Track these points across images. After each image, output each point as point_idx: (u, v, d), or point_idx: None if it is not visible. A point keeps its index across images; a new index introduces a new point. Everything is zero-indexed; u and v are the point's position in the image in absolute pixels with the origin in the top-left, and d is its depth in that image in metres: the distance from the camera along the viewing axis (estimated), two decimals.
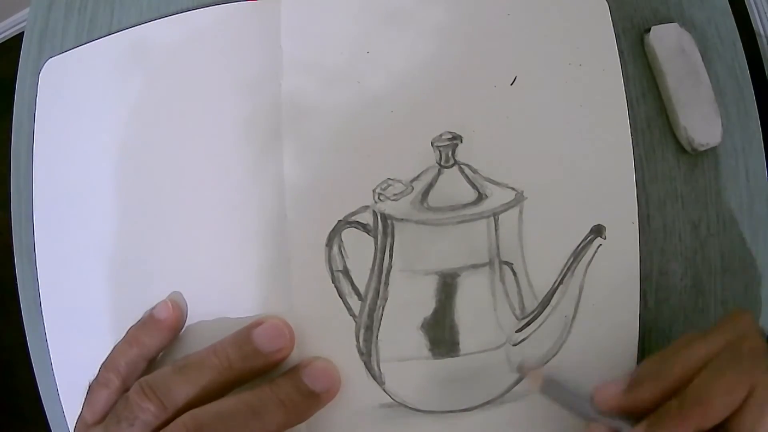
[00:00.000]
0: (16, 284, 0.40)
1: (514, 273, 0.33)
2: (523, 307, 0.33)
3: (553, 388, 0.31)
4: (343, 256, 0.33)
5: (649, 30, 0.35)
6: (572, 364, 0.33)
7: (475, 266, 0.33)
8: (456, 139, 0.33)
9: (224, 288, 0.34)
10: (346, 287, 0.33)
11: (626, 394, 0.29)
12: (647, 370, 0.29)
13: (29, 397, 0.41)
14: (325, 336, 0.33)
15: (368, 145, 0.33)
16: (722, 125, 0.35)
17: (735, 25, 0.37)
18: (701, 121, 0.35)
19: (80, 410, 0.33)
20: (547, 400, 0.31)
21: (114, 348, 0.33)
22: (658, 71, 0.35)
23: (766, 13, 0.49)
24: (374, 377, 0.33)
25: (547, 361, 0.33)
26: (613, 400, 0.29)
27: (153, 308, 0.33)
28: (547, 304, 0.33)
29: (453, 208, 0.33)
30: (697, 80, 0.35)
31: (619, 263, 0.33)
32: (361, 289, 0.33)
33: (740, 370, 0.27)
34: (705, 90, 0.35)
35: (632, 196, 0.34)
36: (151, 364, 0.33)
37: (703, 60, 0.35)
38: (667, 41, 0.35)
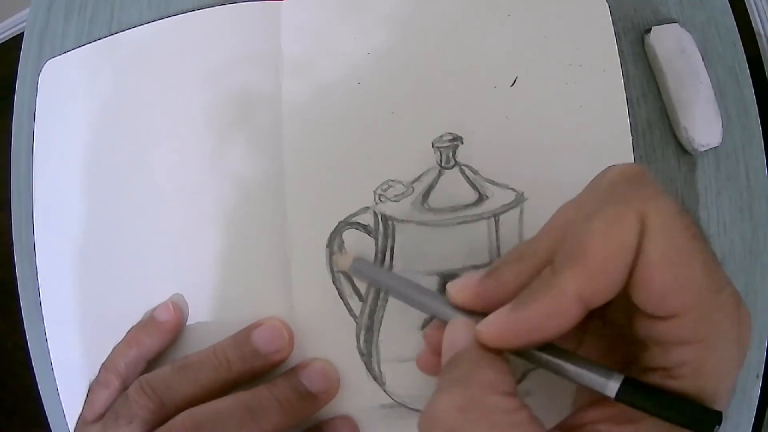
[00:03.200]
0: (16, 284, 0.40)
1: None
2: None
3: (363, 268, 0.30)
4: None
5: (649, 30, 0.35)
6: None
7: (475, 267, 0.33)
8: (456, 140, 0.33)
9: (225, 289, 0.34)
10: (346, 288, 0.33)
11: (485, 280, 0.23)
12: (507, 254, 0.23)
13: (29, 397, 0.41)
14: (326, 337, 0.33)
15: (369, 146, 0.33)
16: (722, 125, 0.35)
17: (735, 25, 0.37)
18: (701, 121, 0.34)
19: (80, 410, 0.33)
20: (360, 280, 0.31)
21: (114, 349, 0.33)
22: (659, 71, 0.35)
23: (766, 13, 0.49)
24: (375, 378, 0.33)
25: None
26: (466, 292, 0.23)
27: (154, 310, 0.34)
28: None
29: (454, 209, 0.33)
30: (697, 80, 0.35)
31: None
32: (362, 290, 0.33)
33: (617, 200, 0.20)
34: (705, 90, 0.35)
35: None
36: (151, 364, 0.33)
37: (703, 60, 0.35)
38: (667, 41, 0.35)
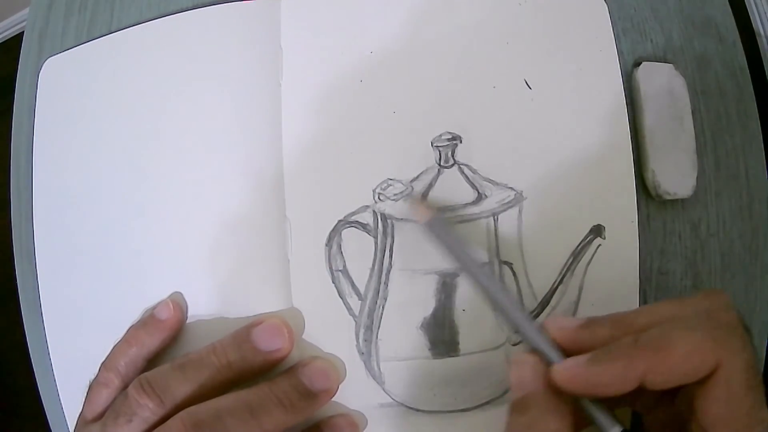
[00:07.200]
0: (16, 284, 0.40)
1: (514, 273, 0.33)
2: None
3: (439, 228, 0.30)
4: (343, 256, 0.33)
5: (639, 64, 0.34)
6: None
7: None
8: (456, 139, 0.33)
9: (224, 288, 0.34)
10: (346, 287, 0.33)
11: (582, 329, 0.27)
12: (609, 315, 0.27)
13: (28, 397, 0.41)
14: (325, 336, 0.33)
15: (368, 145, 0.33)
16: (697, 179, 0.34)
17: (735, 25, 0.37)
18: (674, 168, 0.34)
19: (80, 409, 0.33)
20: (429, 237, 0.31)
21: (114, 347, 0.33)
22: (639, 107, 0.34)
23: (766, 13, 0.49)
24: (374, 377, 0.33)
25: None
26: (565, 331, 0.27)
27: (154, 308, 0.34)
28: (547, 304, 0.33)
29: (452, 208, 0.33)
30: (680, 127, 0.34)
31: (619, 263, 0.33)
32: (361, 288, 0.33)
33: (712, 336, 0.24)
34: (686, 139, 0.34)
35: (632, 196, 0.34)
36: (151, 363, 0.33)
37: (698, 96, 0.34)
38: (656, 79, 0.34)
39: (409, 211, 0.32)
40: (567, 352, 0.27)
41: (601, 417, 0.26)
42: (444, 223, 0.31)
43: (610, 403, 0.26)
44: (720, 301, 0.26)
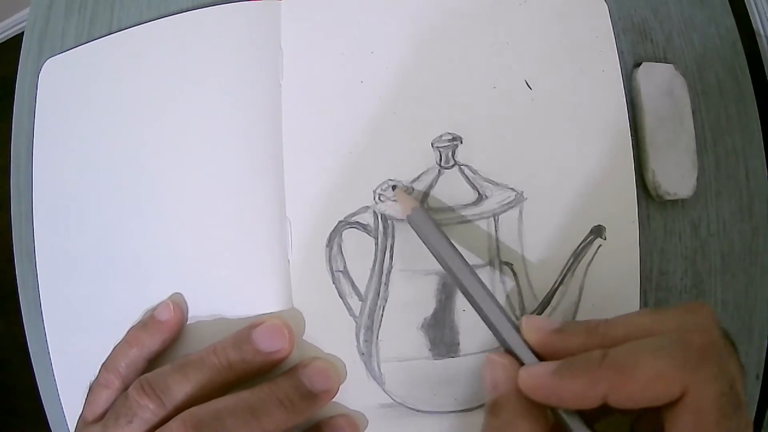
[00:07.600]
0: (16, 284, 0.40)
1: (514, 273, 0.33)
2: (523, 308, 0.33)
3: (420, 222, 0.30)
4: (343, 257, 0.33)
5: (639, 64, 0.34)
6: None
7: (475, 266, 0.33)
8: (456, 140, 0.33)
9: (224, 288, 0.34)
10: (346, 288, 0.33)
11: (556, 333, 0.26)
12: (585, 322, 0.27)
13: (28, 397, 0.41)
14: (326, 336, 0.33)
15: (369, 146, 0.33)
16: (697, 179, 0.34)
17: (735, 25, 0.37)
18: (674, 168, 0.34)
19: (81, 410, 0.33)
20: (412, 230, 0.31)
21: (114, 348, 0.33)
22: (639, 107, 0.34)
23: (766, 13, 0.49)
24: (374, 377, 0.33)
25: None
26: (539, 333, 0.27)
27: (154, 309, 0.34)
28: (548, 305, 0.33)
29: (453, 208, 0.33)
30: (680, 127, 0.34)
31: (619, 263, 0.33)
32: (362, 289, 0.33)
33: (681, 362, 0.23)
34: (686, 139, 0.34)
35: (632, 196, 0.34)
36: (151, 364, 0.33)
37: (698, 96, 0.34)
38: (657, 79, 0.34)
39: (395, 203, 0.32)
40: (540, 356, 0.26)
41: (571, 424, 0.25)
42: (425, 216, 0.30)
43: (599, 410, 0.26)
44: (701, 318, 0.25)
